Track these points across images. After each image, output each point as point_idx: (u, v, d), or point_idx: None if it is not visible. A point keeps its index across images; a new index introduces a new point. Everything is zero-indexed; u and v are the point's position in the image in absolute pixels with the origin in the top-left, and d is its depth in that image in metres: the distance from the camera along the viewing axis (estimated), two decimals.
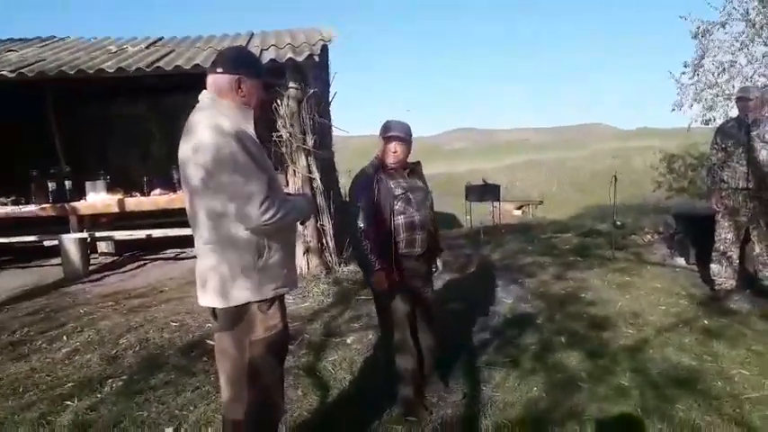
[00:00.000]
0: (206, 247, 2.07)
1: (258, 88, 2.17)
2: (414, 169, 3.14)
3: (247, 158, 1.96)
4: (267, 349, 2.12)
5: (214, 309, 2.13)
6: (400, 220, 2.96)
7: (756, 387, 3.26)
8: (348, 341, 4.17)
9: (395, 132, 3.00)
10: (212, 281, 2.06)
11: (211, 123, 1.98)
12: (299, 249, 6.09)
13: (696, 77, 9.16)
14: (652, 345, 3.93)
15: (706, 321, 4.35)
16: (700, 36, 8.88)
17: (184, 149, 2.05)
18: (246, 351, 2.09)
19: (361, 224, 2.91)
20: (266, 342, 2.11)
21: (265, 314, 2.10)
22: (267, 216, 1.97)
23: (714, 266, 4.90)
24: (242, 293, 2.05)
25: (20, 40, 8.28)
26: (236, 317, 2.07)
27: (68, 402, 3.31)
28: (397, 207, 2.95)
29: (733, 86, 8.68)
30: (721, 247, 4.81)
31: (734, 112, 5.64)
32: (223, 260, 2.04)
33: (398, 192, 2.97)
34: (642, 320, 4.41)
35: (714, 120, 9.00)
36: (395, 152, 3.00)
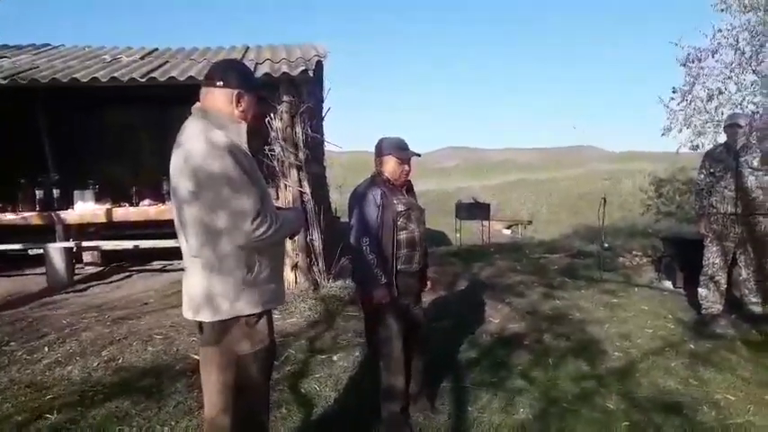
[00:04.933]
0: (194, 261, 2.04)
1: (254, 103, 2.18)
2: (410, 187, 3.18)
3: (240, 173, 1.94)
4: (253, 364, 2.09)
5: (200, 322, 2.10)
6: (402, 235, 2.99)
7: (741, 413, 3.26)
8: (334, 358, 4.13)
9: (410, 152, 3.06)
10: (199, 294, 2.03)
11: (204, 136, 1.97)
12: (288, 264, 6.06)
13: (685, 103, 9.26)
14: (639, 368, 3.93)
15: (692, 345, 4.36)
16: (689, 63, 9.00)
17: (176, 161, 2.03)
18: (232, 366, 2.05)
19: (366, 238, 2.91)
20: (252, 357, 2.08)
21: (252, 329, 2.07)
22: (260, 232, 1.96)
23: (702, 290, 4.92)
24: (229, 307, 2.01)
25: (14, 46, 8.28)
26: (223, 331, 2.04)
27: (48, 415, 3.24)
28: (399, 223, 2.97)
29: (722, 113, 8.78)
30: (709, 272, 4.84)
31: (722, 138, 5.71)
32: (211, 274, 2.01)
33: (401, 208, 2.99)
34: (629, 343, 4.42)
35: (703, 145, 9.09)
36: (409, 170, 3.08)
